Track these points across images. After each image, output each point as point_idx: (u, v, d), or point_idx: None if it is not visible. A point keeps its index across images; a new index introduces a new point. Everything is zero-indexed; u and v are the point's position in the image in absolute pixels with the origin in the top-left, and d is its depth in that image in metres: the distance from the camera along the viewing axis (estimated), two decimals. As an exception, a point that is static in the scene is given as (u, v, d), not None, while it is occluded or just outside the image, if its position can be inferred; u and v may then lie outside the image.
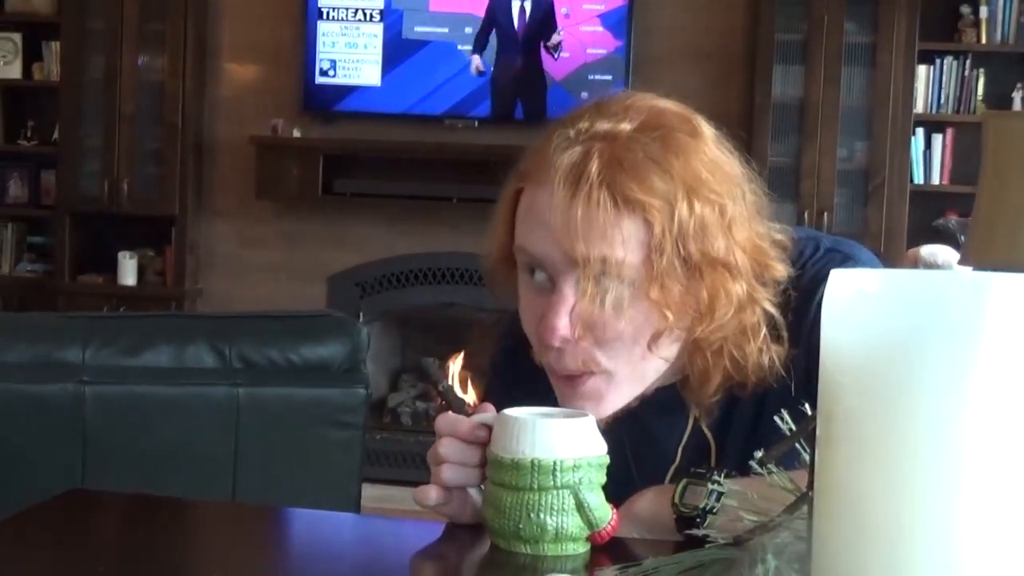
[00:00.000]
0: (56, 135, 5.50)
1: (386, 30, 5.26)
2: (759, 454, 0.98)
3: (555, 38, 5.11)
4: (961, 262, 3.03)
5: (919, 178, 5.10)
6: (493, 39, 5.20)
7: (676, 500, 1.12)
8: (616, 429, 1.18)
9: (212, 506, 1.44)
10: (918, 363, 0.66)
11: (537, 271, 1.18)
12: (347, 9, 5.27)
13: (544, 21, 5.16)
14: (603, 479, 1.08)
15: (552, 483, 1.05)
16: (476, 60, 5.20)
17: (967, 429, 0.66)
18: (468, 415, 1.13)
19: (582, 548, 1.08)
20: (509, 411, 1.09)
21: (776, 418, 0.98)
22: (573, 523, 1.06)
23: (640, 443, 1.26)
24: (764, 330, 1.18)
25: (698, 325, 1.16)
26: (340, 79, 5.29)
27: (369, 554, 1.19)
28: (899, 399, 0.67)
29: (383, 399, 5.47)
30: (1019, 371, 0.66)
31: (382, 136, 5.27)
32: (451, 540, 1.15)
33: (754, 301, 1.17)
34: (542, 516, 1.05)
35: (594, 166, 1.12)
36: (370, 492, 2.66)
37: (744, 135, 1.41)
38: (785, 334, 1.19)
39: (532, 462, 1.05)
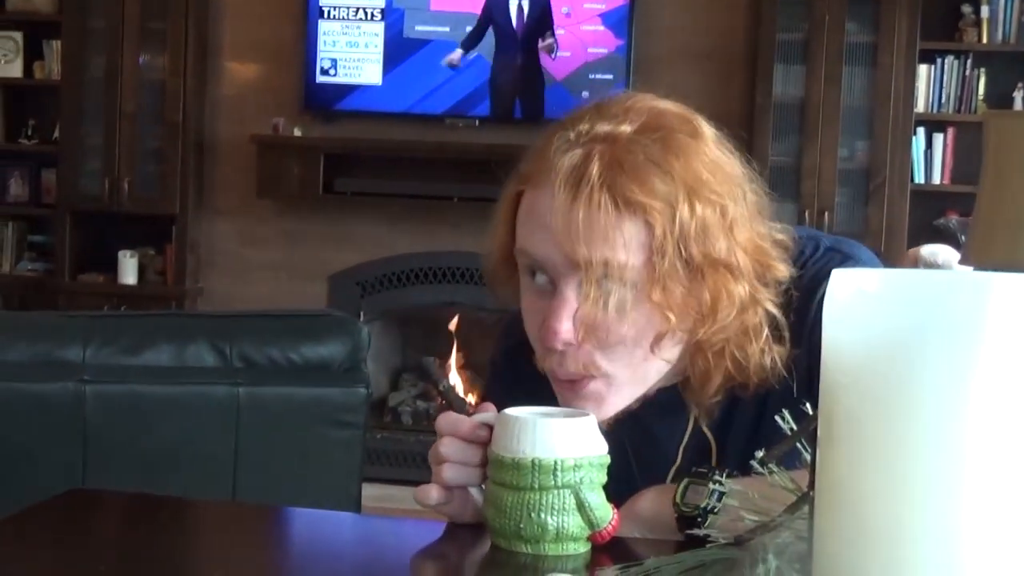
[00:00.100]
0: (57, 134, 5.50)
1: (387, 29, 5.26)
2: (760, 454, 0.98)
3: (548, 39, 5.11)
4: (962, 262, 3.03)
5: (920, 178, 5.10)
6: (491, 38, 5.20)
7: (677, 500, 1.11)
8: (617, 430, 1.18)
9: (212, 506, 1.44)
10: (919, 363, 0.66)
11: (538, 274, 1.18)
12: (348, 8, 5.27)
13: (542, 20, 5.16)
14: (604, 479, 1.08)
15: (553, 483, 1.05)
16: (454, 54, 5.19)
17: (968, 429, 0.66)
18: (469, 414, 1.13)
19: (583, 548, 1.08)
20: (510, 410, 1.09)
21: (777, 418, 0.98)
22: (574, 523, 1.06)
23: (641, 444, 1.26)
24: (766, 331, 1.18)
25: (700, 326, 1.15)
26: (341, 78, 5.29)
27: (369, 554, 1.18)
28: (900, 399, 0.67)
29: (384, 398, 5.47)
30: (1020, 371, 0.66)
31: (383, 135, 5.27)
32: (452, 540, 1.15)
33: (756, 302, 1.17)
34: (543, 516, 1.05)
35: (595, 168, 1.12)
36: (370, 492, 2.66)
37: (745, 135, 1.41)
38: (787, 334, 1.19)
39: (533, 462, 1.05)
